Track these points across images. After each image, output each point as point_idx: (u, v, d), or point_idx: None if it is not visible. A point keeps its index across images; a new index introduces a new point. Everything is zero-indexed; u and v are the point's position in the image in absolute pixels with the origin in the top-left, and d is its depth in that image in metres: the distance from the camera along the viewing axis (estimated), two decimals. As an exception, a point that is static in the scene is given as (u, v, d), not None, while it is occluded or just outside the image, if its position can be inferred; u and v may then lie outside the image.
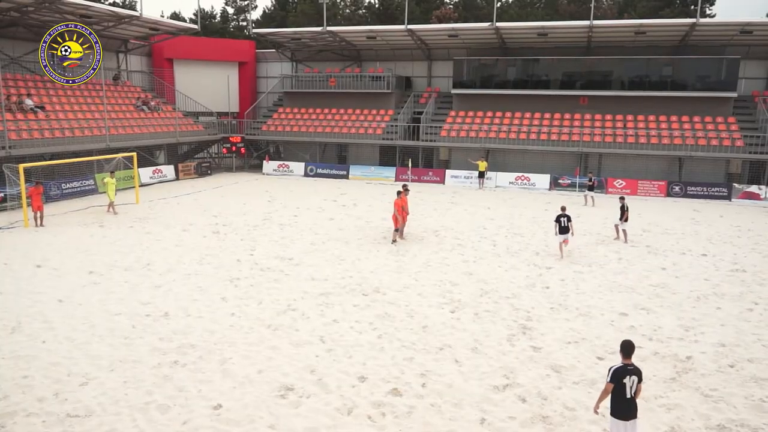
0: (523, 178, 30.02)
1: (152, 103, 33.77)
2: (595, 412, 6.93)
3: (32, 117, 25.91)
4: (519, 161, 30.88)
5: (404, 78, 37.06)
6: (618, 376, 6.41)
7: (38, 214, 19.14)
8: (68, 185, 24.59)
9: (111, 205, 21.20)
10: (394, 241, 17.55)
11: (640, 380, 6.52)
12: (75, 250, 16.20)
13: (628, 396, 6.44)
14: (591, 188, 26.16)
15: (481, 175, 29.99)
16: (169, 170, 30.99)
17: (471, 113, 33.69)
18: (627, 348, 6.56)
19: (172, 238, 17.86)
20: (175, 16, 60.54)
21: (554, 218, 16.54)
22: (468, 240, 18.31)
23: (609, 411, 6.62)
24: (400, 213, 17.48)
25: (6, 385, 8.50)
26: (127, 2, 52.44)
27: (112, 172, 22.23)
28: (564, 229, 16.06)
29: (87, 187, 25.33)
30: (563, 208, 16.65)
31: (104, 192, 22.07)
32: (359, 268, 14.87)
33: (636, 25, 30.26)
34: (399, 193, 17.65)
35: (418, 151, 33.20)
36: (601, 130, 30.69)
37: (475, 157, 30.71)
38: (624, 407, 6.45)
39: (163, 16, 50.61)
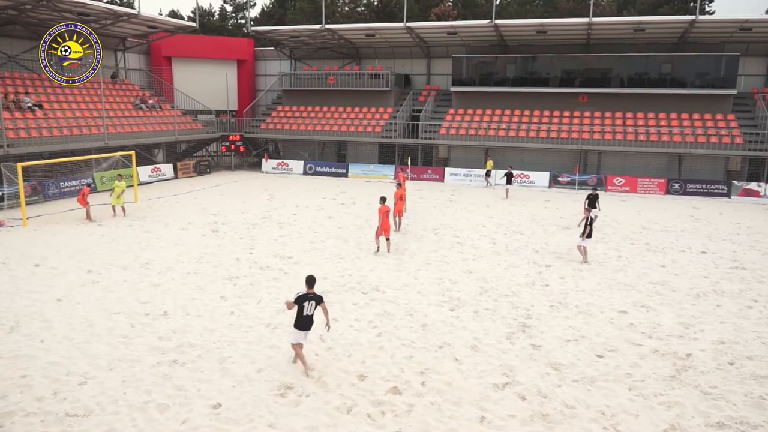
0: (522, 175, 29.99)
1: (150, 102, 33.71)
2: (287, 306, 8.94)
3: (30, 115, 25.85)
4: (518, 159, 30.84)
5: (403, 76, 37.02)
6: (300, 301, 8.77)
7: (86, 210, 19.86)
8: (66, 184, 24.53)
9: (114, 207, 21.06)
10: (378, 249, 16.26)
11: (318, 303, 8.88)
12: (73, 249, 16.17)
13: (305, 314, 8.81)
14: (509, 181, 26.36)
15: (488, 173, 29.98)
16: (167, 169, 30.95)
17: (470, 111, 33.66)
18: (310, 281, 8.92)
19: (170, 236, 17.83)
20: (173, 14, 60.41)
21: (588, 222, 15.39)
22: (467, 238, 18.29)
23: (293, 324, 8.92)
24: (384, 222, 16.07)
25: (4, 384, 8.48)
26: (125, 0, 52.30)
27: (120, 176, 22.36)
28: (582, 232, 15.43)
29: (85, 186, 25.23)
30: (587, 210, 15.92)
31: (111, 189, 21.99)
32: (358, 267, 14.86)
33: (635, 22, 30.24)
34: (383, 200, 16.38)
35: (417, 149, 33.18)
36: (600, 127, 30.67)
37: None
38: (302, 322, 8.86)
39: (161, 14, 50.53)
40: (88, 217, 19.96)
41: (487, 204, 24.83)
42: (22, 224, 18.95)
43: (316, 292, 8.99)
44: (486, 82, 33.53)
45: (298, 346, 9.03)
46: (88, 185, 20.77)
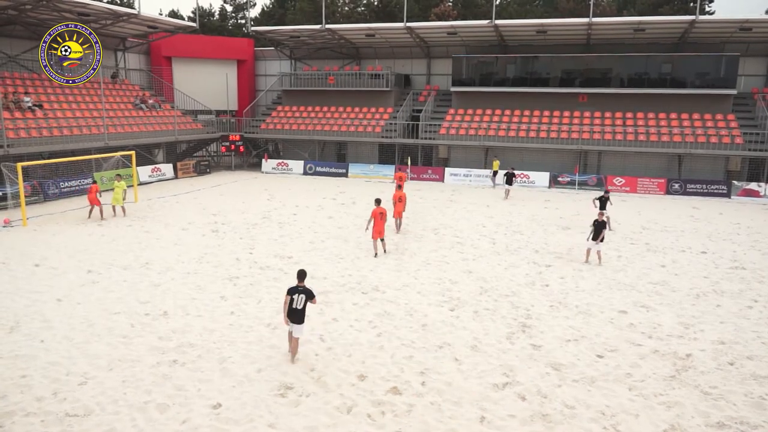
0: (522, 175, 29.97)
1: (150, 102, 33.70)
2: (286, 323, 9.31)
3: (30, 115, 25.85)
4: (518, 159, 30.85)
5: (403, 76, 37.02)
6: (290, 293, 9.16)
7: (96, 209, 20.00)
8: (66, 184, 24.54)
9: (114, 207, 20.99)
10: (376, 254, 15.91)
11: (308, 298, 9.15)
12: (73, 249, 16.17)
13: (294, 307, 9.11)
14: (509, 182, 26.18)
15: (495, 174, 29.88)
16: (167, 169, 30.95)
17: (470, 111, 33.65)
18: (300, 275, 9.32)
19: (170, 236, 17.83)
20: (173, 14, 60.41)
21: (605, 225, 15.33)
22: (467, 238, 18.29)
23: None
24: (378, 223, 15.71)
25: (4, 384, 8.48)
26: (125, 0, 52.29)
27: (119, 176, 22.36)
28: (594, 234, 15.25)
29: (85, 186, 25.16)
30: (601, 214, 15.71)
31: (111, 189, 21.77)
32: (358, 267, 14.86)
33: (635, 22, 30.24)
34: (378, 201, 16.26)
35: (417, 149, 33.19)
36: (600, 127, 30.67)
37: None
38: (293, 314, 9.16)
39: (161, 14, 50.53)
40: (101, 216, 20.10)
41: (487, 204, 24.84)
42: (22, 224, 18.95)
43: (307, 286, 9.26)
44: (486, 82, 33.52)
45: (290, 334, 9.40)
46: (94, 182, 20.72)
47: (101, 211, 20.17)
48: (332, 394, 8.40)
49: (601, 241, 15.30)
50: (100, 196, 20.40)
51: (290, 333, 9.39)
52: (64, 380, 8.65)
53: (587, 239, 15.67)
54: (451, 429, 7.60)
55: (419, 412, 7.95)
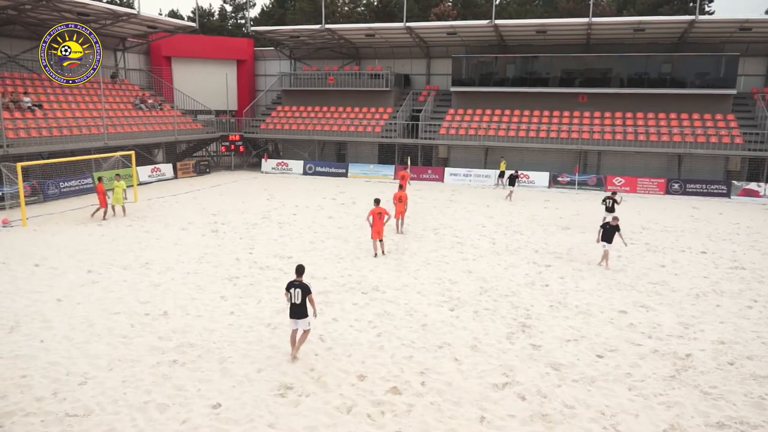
0: (522, 175, 29.95)
1: (150, 102, 33.70)
2: (286, 296, 9.36)
3: (30, 115, 25.84)
4: (518, 159, 30.85)
5: (403, 76, 37.02)
6: (287, 288, 9.25)
7: (101, 210, 20.05)
8: (66, 184, 24.54)
9: (113, 207, 20.94)
10: (376, 254, 15.93)
11: (305, 292, 9.14)
12: (73, 249, 16.17)
13: (292, 302, 9.17)
14: (512, 183, 26.08)
15: (502, 174, 29.79)
16: (167, 169, 30.95)
17: (470, 111, 33.66)
18: (298, 270, 9.35)
19: (170, 236, 17.83)
20: (173, 14, 60.39)
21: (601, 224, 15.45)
22: (467, 238, 18.29)
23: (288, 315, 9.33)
24: (377, 222, 15.70)
25: (4, 384, 8.48)
26: (125, 0, 52.28)
27: (119, 176, 22.38)
28: (606, 237, 15.05)
29: (85, 186, 25.25)
30: (611, 213, 15.62)
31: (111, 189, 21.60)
32: (358, 267, 14.86)
33: (635, 22, 30.24)
34: (377, 201, 16.18)
35: (417, 149, 33.19)
36: (600, 127, 30.67)
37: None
38: (292, 310, 9.24)
39: (161, 14, 50.53)
40: (104, 216, 20.14)
41: (487, 204, 24.84)
42: (22, 224, 18.94)
43: (304, 281, 9.29)
44: (486, 82, 33.52)
45: (292, 333, 9.50)
46: (99, 179, 20.71)
47: (105, 213, 20.16)
48: (332, 394, 8.40)
49: (603, 240, 15.21)
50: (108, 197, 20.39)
51: (293, 332, 9.42)
52: (64, 380, 8.65)
53: (598, 240, 15.32)
54: (451, 429, 7.60)
55: (419, 412, 7.95)
